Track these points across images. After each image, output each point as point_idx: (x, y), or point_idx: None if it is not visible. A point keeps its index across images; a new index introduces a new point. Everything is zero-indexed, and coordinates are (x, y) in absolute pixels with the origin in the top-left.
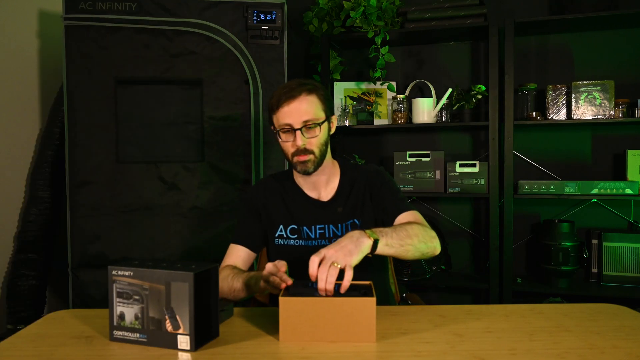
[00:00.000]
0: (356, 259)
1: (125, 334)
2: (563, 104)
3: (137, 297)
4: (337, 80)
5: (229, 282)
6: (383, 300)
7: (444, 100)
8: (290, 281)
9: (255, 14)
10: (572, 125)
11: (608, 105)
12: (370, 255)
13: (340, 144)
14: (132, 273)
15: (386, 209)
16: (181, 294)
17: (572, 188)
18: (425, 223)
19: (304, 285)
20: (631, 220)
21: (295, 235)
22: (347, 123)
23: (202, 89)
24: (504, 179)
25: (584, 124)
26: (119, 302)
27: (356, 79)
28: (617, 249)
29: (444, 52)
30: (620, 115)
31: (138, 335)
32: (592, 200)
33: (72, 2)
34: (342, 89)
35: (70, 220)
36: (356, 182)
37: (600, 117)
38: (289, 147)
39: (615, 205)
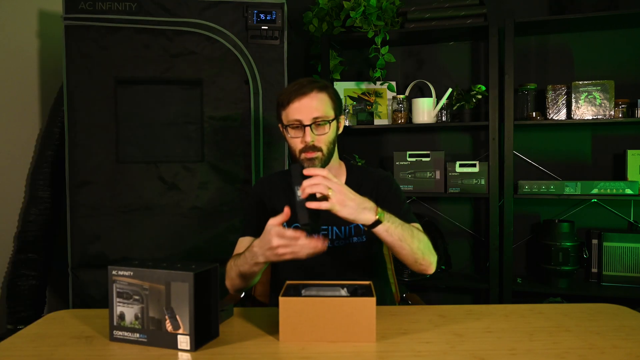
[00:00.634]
0: (344, 214)
1: (125, 334)
2: (563, 104)
3: (137, 297)
4: (337, 80)
5: (235, 270)
6: (383, 300)
7: (444, 100)
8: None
9: (255, 14)
10: (572, 125)
11: (608, 105)
12: (365, 229)
13: (340, 144)
14: (132, 273)
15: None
16: (181, 294)
17: (572, 188)
18: (427, 237)
19: (303, 287)
20: (631, 220)
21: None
22: (347, 123)
23: (202, 89)
24: (504, 179)
25: (584, 124)
26: (119, 302)
27: (356, 79)
28: (617, 249)
29: (444, 52)
30: (620, 115)
31: (138, 335)
32: (592, 200)
33: (72, 2)
34: (342, 89)
35: (70, 220)
36: (363, 186)
37: (600, 117)
38: (297, 143)
39: (615, 205)
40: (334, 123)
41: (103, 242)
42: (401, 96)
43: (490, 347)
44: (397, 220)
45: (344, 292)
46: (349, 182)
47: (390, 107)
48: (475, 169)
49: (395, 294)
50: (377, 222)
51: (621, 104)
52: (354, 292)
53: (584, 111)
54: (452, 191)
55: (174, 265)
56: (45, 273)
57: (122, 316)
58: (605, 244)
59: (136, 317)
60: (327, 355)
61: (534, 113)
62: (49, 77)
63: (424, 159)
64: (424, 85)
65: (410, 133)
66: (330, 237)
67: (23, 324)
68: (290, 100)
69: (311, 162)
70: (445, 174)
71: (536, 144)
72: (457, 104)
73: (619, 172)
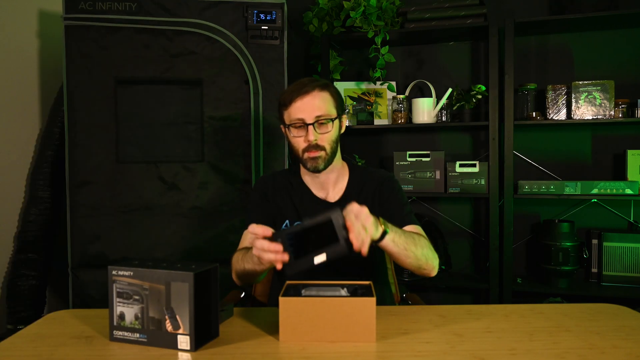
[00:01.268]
0: (371, 233)
1: (125, 334)
2: (563, 104)
3: (137, 297)
4: (337, 80)
5: (241, 264)
6: (383, 300)
7: (444, 100)
8: (280, 248)
9: (255, 14)
10: (572, 125)
11: (608, 105)
12: (374, 244)
13: (341, 144)
14: (132, 273)
15: (392, 219)
16: (181, 294)
17: (572, 188)
18: (428, 240)
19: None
20: (631, 220)
21: None
22: (347, 123)
23: (202, 89)
24: (504, 179)
25: (584, 124)
26: (119, 302)
27: (356, 79)
28: (617, 249)
29: (444, 52)
30: (620, 115)
31: (138, 335)
32: (592, 200)
33: (72, 2)
34: (342, 89)
35: (70, 220)
36: (365, 186)
37: (600, 117)
38: (300, 142)
39: (615, 205)
40: (336, 122)
41: (103, 242)
42: (401, 96)
43: (490, 347)
44: (398, 228)
45: (344, 292)
46: (351, 183)
47: (390, 107)
48: (475, 169)
49: (395, 294)
50: (384, 234)
51: (621, 104)
52: (354, 292)
53: (584, 111)
54: (452, 191)
55: (174, 265)
56: (45, 273)
57: (122, 316)
58: (605, 244)
59: (136, 317)
60: (327, 355)
61: (534, 113)
62: (49, 77)
63: (424, 159)
64: (424, 85)
65: (410, 133)
66: None
67: (23, 324)
68: (292, 99)
69: (315, 161)
70: (445, 174)
71: (536, 144)
72: (457, 104)
73: (619, 172)
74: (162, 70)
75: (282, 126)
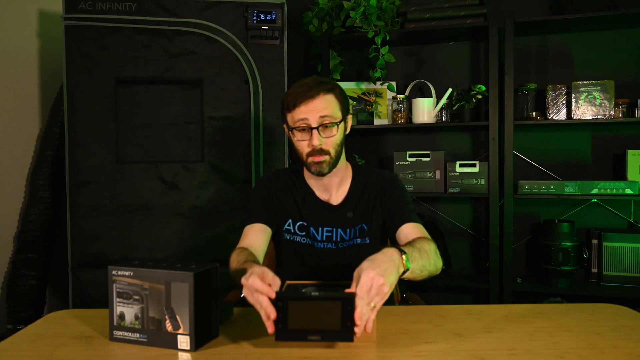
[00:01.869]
0: (391, 289)
1: (125, 334)
2: (563, 104)
3: (137, 297)
4: (337, 80)
5: (235, 267)
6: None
7: (444, 100)
8: (273, 315)
9: (255, 14)
10: (572, 125)
11: (608, 105)
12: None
13: None
14: (132, 273)
15: (392, 217)
16: (181, 294)
17: (572, 188)
18: (431, 238)
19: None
20: (631, 220)
21: (303, 233)
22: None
23: (202, 89)
24: (504, 179)
25: (584, 124)
26: (119, 302)
27: (356, 79)
28: (617, 249)
29: (444, 52)
30: (620, 115)
31: (138, 335)
32: (592, 200)
33: (72, 2)
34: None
35: (70, 220)
36: (367, 187)
37: (600, 117)
38: (304, 146)
39: (615, 205)
40: (341, 125)
41: (103, 242)
42: (401, 96)
43: (490, 347)
44: (416, 254)
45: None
46: (354, 184)
47: (390, 107)
48: (475, 169)
49: (395, 294)
50: (406, 270)
51: (621, 104)
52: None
53: (584, 111)
54: (452, 191)
55: (174, 265)
56: (45, 273)
57: (122, 316)
58: (605, 244)
59: (136, 317)
60: (327, 355)
61: (534, 113)
62: (49, 77)
63: (424, 159)
64: (424, 85)
65: (410, 133)
66: (335, 239)
67: (23, 324)
68: (297, 103)
69: (319, 165)
70: (445, 174)
71: (536, 144)
72: (457, 104)
73: (619, 172)
74: (162, 70)
75: (285, 126)
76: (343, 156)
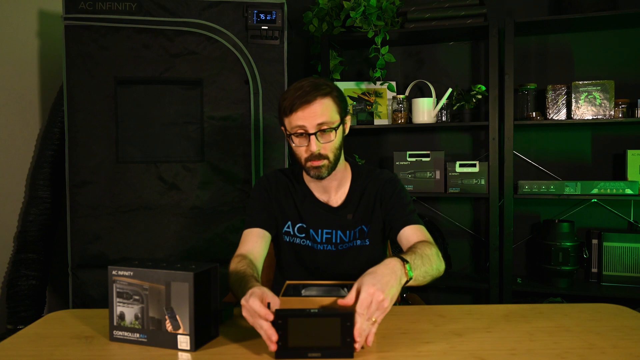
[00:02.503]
0: (392, 303)
1: (125, 334)
2: (563, 104)
3: (137, 297)
4: (337, 80)
5: (233, 280)
6: None
7: (444, 100)
8: (275, 337)
9: (255, 14)
10: (572, 125)
11: (608, 105)
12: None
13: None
14: (132, 273)
15: (393, 219)
16: (181, 294)
17: (572, 188)
18: (432, 240)
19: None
20: (631, 220)
21: (303, 235)
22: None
23: (202, 89)
24: (504, 179)
25: (584, 124)
26: (119, 302)
27: (356, 79)
28: (617, 249)
29: (444, 52)
30: (620, 115)
31: (138, 335)
32: (592, 200)
33: (72, 2)
34: (342, 89)
35: (70, 220)
36: (367, 189)
37: (600, 117)
38: (302, 151)
39: (615, 205)
40: (340, 128)
41: (103, 242)
42: (401, 96)
43: (490, 347)
44: (418, 262)
45: (343, 292)
46: (354, 185)
47: (390, 107)
48: (475, 169)
49: None
50: (409, 279)
51: (621, 104)
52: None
53: (584, 111)
54: (452, 191)
55: (174, 265)
56: (45, 273)
57: (122, 316)
58: (605, 244)
59: (136, 317)
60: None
61: (534, 113)
62: (49, 77)
63: (424, 159)
64: (424, 85)
65: (410, 133)
66: (334, 240)
67: (23, 324)
68: (294, 108)
69: (318, 169)
70: (445, 174)
71: (536, 144)
72: (457, 104)
73: (619, 172)
74: (162, 70)
75: (282, 128)
76: (342, 158)
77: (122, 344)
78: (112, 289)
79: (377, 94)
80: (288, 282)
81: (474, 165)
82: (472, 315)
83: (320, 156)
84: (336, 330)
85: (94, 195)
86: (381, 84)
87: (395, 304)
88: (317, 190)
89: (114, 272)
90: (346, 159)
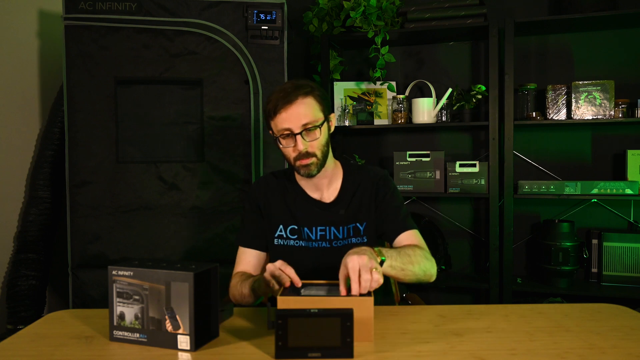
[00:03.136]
0: (381, 274)
1: (125, 334)
2: (563, 104)
3: (137, 297)
4: (337, 80)
5: (239, 289)
6: (383, 300)
7: (444, 100)
8: (297, 279)
9: (255, 14)
10: (572, 125)
11: (608, 105)
12: None
13: (340, 144)
14: (132, 273)
15: (388, 225)
16: (181, 294)
17: (572, 188)
18: (425, 245)
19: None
20: (631, 220)
21: (295, 236)
22: (347, 123)
23: (202, 89)
24: (504, 179)
25: (584, 124)
26: (119, 302)
27: (356, 79)
28: (617, 249)
29: (444, 52)
30: (620, 115)
31: (138, 335)
32: (592, 200)
33: (72, 2)
34: (342, 89)
35: (70, 220)
36: (361, 185)
37: (600, 117)
38: (290, 152)
39: (615, 205)
40: (324, 126)
41: (103, 242)
42: (401, 96)
43: (490, 347)
44: (393, 252)
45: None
46: (345, 182)
47: (390, 107)
48: (475, 169)
49: (395, 294)
50: (382, 262)
51: (621, 104)
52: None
53: (584, 111)
54: (452, 191)
55: (174, 265)
56: (45, 273)
57: (122, 316)
58: (605, 244)
59: (136, 317)
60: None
61: (534, 113)
62: (49, 77)
63: (424, 159)
64: (424, 85)
65: (410, 133)
66: (329, 237)
67: (23, 324)
68: (277, 110)
69: (307, 168)
70: (445, 174)
71: (536, 144)
72: (457, 104)
73: (619, 172)
74: (162, 70)
75: (270, 132)
76: (330, 155)
77: (122, 344)
78: (112, 289)
79: (377, 94)
80: None
81: (474, 165)
82: (472, 315)
83: (308, 154)
84: (336, 330)
85: (94, 195)
86: (381, 84)
87: (395, 304)
88: (309, 188)
89: (114, 272)
90: (336, 158)
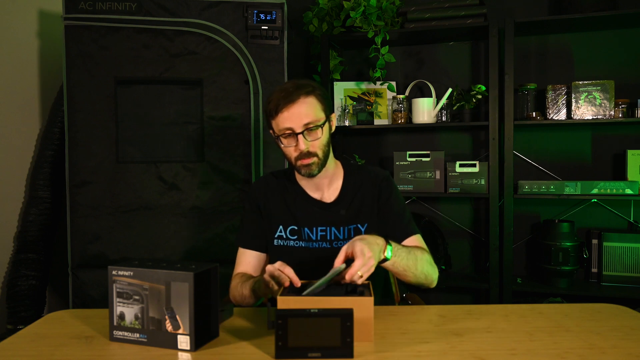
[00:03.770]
0: (375, 264)
1: (125, 334)
2: (563, 104)
3: (137, 297)
4: (337, 80)
5: (239, 290)
6: (383, 300)
7: (444, 100)
8: (296, 279)
9: (255, 14)
10: (572, 125)
11: (608, 105)
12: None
13: (340, 144)
14: (132, 273)
15: (392, 230)
16: (181, 294)
17: (572, 188)
18: (427, 250)
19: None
20: (631, 220)
21: (295, 237)
22: (347, 123)
23: (202, 89)
24: (504, 179)
25: (584, 124)
26: (119, 302)
27: (356, 79)
28: (617, 249)
29: (444, 52)
30: (620, 115)
31: (138, 335)
32: (592, 200)
33: (72, 2)
34: (342, 89)
35: (70, 220)
36: (362, 186)
37: (600, 117)
38: (291, 151)
39: (615, 205)
40: (326, 125)
41: (103, 242)
42: (401, 96)
43: (490, 347)
44: (402, 249)
45: (342, 291)
46: (346, 184)
47: (390, 107)
48: (475, 169)
49: (395, 294)
50: (387, 258)
51: (621, 104)
52: (353, 291)
53: (584, 111)
54: (452, 191)
55: (174, 265)
56: (45, 273)
57: (122, 316)
58: (605, 244)
59: (136, 317)
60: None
61: (534, 113)
62: (49, 77)
63: (424, 159)
64: (424, 85)
65: (410, 133)
66: (329, 237)
67: (23, 324)
68: (278, 110)
69: (308, 167)
70: (445, 174)
71: (536, 144)
72: (457, 104)
73: (619, 172)
74: (162, 70)
75: (271, 131)
76: (331, 155)
77: (122, 344)
78: (112, 289)
79: (377, 94)
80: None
81: (474, 165)
82: (472, 315)
83: (309, 154)
84: (336, 330)
85: (94, 195)
86: (381, 84)
87: (395, 304)
88: (310, 188)
89: (114, 272)
90: (337, 158)
